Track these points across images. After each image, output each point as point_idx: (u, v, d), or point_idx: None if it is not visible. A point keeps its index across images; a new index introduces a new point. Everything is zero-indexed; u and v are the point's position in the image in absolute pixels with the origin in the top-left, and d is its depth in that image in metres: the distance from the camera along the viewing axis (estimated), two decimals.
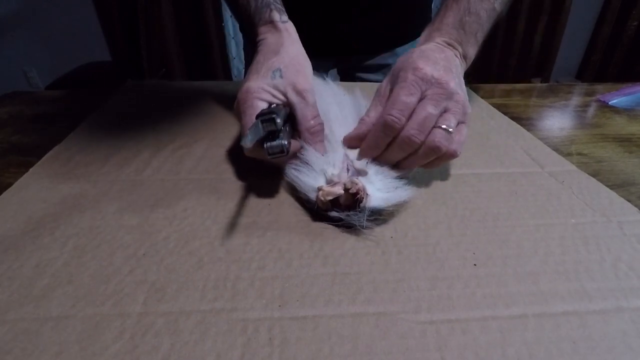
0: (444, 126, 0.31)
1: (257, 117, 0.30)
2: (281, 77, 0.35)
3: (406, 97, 0.31)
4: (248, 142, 0.27)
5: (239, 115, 0.35)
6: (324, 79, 0.47)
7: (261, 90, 0.34)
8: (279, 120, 0.29)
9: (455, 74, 0.33)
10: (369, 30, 0.63)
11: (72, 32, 2.06)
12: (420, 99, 0.32)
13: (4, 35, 2.05)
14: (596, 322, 0.23)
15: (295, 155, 0.34)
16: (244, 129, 0.33)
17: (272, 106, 0.33)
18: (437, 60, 0.33)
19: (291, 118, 0.36)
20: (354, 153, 0.34)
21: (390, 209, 0.31)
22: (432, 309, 0.23)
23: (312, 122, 0.34)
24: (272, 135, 0.30)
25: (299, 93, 0.34)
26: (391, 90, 0.33)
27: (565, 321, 0.23)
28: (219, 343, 0.21)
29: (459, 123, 0.32)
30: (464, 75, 0.36)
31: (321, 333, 0.22)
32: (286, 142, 0.30)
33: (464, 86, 0.34)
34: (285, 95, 0.35)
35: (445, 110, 0.32)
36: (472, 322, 0.22)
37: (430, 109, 0.31)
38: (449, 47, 0.36)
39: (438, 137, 0.31)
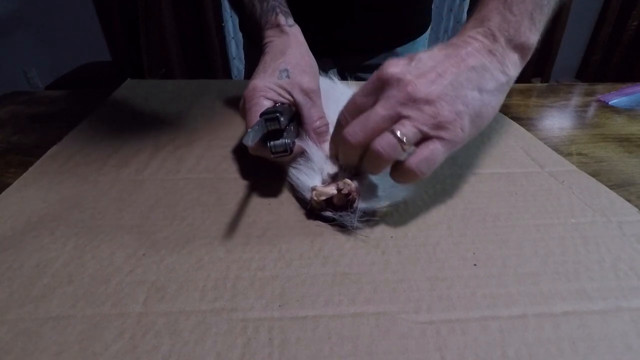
0: (398, 133, 0.25)
1: (262, 115, 0.30)
2: (288, 77, 0.35)
3: (358, 97, 0.29)
4: (250, 140, 0.27)
5: (244, 112, 0.34)
6: (332, 78, 0.47)
7: (267, 89, 0.34)
8: (282, 120, 0.30)
9: (450, 80, 0.26)
10: (369, 30, 0.63)
11: (72, 32, 2.06)
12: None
13: (4, 35, 2.05)
14: (596, 322, 0.23)
15: (298, 156, 0.34)
16: (248, 126, 0.33)
17: (278, 105, 0.33)
18: (420, 59, 0.27)
19: (296, 118, 0.36)
20: None
21: (385, 209, 0.31)
22: (432, 309, 0.23)
23: (317, 122, 0.35)
24: (276, 134, 0.30)
25: (306, 93, 0.35)
26: None
27: (565, 321, 0.23)
28: (219, 343, 0.21)
29: (428, 137, 0.26)
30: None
31: (321, 333, 0.22)
32: (290, 142, 0.30)
33: (463, 93, 0.26)
34: (291, 95, 0.35)
35: (404, 117, 0.26)
36: (472, 322, 0.22)
37: (378, 108, 0.27)
38: (483, 39, 0.28)
39: (383, 142, 0.26)
